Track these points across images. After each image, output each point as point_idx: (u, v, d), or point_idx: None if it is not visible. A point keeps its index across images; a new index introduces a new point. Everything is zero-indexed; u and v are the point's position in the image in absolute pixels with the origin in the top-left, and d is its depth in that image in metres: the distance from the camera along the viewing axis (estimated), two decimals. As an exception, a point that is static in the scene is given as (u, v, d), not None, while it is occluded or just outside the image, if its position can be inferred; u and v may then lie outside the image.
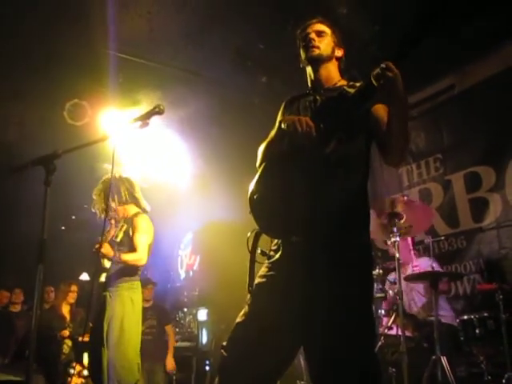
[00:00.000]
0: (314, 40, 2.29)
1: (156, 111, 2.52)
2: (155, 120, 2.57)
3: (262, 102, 5.53)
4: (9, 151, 5.27)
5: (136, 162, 6.02)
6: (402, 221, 3.95)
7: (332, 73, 2.32)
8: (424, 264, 4.46)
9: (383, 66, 1.92)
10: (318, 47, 2.28)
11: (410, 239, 4.67)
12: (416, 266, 4.44)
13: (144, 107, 2.57)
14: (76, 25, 4.58)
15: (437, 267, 4.32)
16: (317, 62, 2.29)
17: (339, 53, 2.35)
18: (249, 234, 2.15)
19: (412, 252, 4.49)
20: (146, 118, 2.52)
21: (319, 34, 2.31)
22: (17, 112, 5.46)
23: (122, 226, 3.91)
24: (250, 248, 2.14)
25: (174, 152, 6.54)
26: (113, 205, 4.00)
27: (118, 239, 3.87)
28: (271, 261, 2.11)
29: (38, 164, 2.36)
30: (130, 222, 3.97)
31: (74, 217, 7.92)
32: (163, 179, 6.80)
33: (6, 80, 4.88)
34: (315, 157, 2.03)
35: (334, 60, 2.34)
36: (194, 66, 5.35)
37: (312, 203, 1.98)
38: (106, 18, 4.49)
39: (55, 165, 2.38)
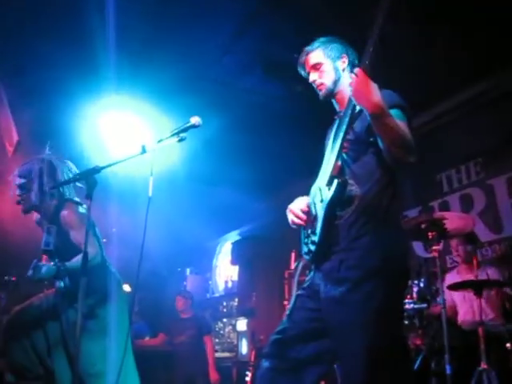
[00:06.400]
0: (315, 81, 2.35)
1: (193, 124, 2.56)
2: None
3: (298, 112, 5.53)
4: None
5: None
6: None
7: (345, 92, 2.29)
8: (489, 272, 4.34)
9: (353, 73, 1.99)
10: (322, 84, 2.33)
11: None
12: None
13: (181, 121, 2.61)
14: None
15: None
16: (329, 97, 2.36)
17: (343, 64, 2.34)
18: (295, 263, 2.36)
19: (475, 260, 4.32)
20: (183, 131, 2.56)
21: (315, 68, 2.35)
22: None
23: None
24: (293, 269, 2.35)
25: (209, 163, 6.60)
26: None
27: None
28: (309, 275, 2.30)
29: (80, 178, 2.42)
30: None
31: (114, 229, 8.05)
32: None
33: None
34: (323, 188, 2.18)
35: (343, 78, 2.32)
36: (229, 76, 5.40)
37: (317, 229, 2.13)
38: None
39: (96, 179, 2.44)
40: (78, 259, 2.95)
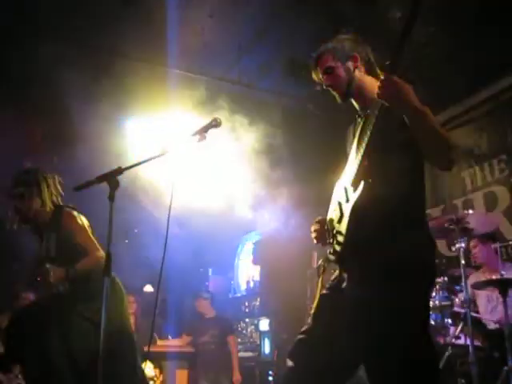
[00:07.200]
0: (330, 86, 2.33)
1: (213, 124, 2.57)
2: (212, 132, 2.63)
3: (317, 111, 5.53)
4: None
5: (194, 173, 6.13)
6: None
7: (363, 89, 2.29)
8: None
9: (381, 78, 1.94)
10: (336, 88, 2.31)
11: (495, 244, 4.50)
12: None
13: (201, 121, 2.63)
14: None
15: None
16: (347, 98, 2.34)
17: (354, 63, 2.30)
18: (320, 261, 2.33)
19: (499, 257, 4.26)
20: (203, 131, 2.57)
21: (328, 72, 2.32)
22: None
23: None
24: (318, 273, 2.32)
25: (231, 162, 6.61)
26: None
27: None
28: (334, 275, 2.28)
29: (103, 180, 2.45)
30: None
31: (136, 230, 8.13)
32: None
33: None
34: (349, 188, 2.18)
35: (356, 77, 2.29)
36: (248, 77, 5.41)
37: (344, 227, 2.13)
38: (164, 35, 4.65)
39: (118, 180, 2.47)
40: (83, 263, 3.12)
